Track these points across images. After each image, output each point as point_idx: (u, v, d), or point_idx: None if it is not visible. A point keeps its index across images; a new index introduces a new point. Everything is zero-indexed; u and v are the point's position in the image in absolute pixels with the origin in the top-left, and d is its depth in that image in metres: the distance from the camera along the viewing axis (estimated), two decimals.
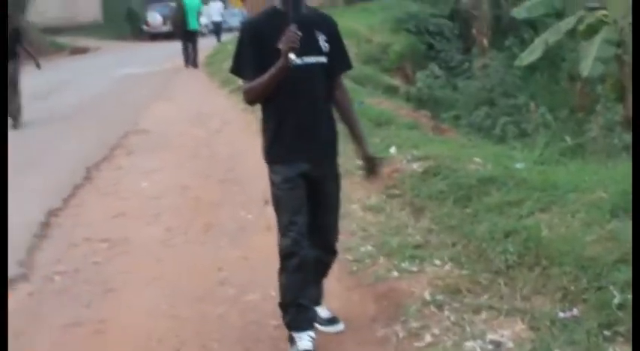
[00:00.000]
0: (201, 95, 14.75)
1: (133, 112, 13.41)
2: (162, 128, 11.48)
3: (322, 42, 3.88)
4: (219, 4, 30.56)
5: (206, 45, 24.58)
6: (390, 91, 14.64)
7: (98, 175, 8.68)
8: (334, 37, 3.97)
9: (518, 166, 6.63)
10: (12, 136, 11.38)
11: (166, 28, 28.76)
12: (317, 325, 4.16)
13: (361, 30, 19.71)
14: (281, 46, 3.63)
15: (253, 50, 3.82)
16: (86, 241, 6.28)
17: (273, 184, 3.98)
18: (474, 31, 20.35)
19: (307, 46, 3.76)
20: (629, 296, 3.79)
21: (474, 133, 12.26)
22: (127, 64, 23.14)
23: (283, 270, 3.95)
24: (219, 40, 27.95)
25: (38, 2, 31.38)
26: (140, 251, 5.97)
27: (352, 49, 17.09)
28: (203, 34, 30.35)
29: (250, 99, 3.92)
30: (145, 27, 36.76)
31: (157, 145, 10.22)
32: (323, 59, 3.87)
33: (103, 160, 9.43)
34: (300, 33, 3.63)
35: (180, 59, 21.03)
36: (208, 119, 11.77)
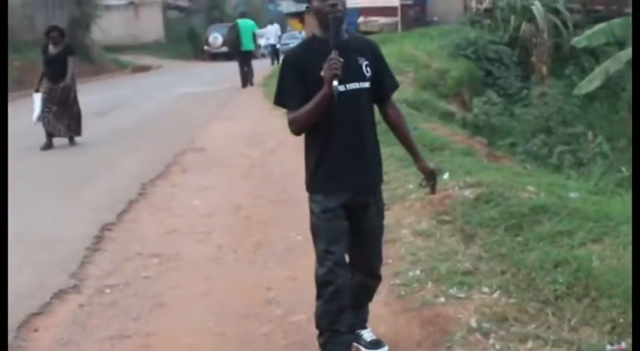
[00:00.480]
0: (257, 115, 14.88)
1: (190, 130, 13.59)
2: (218, 147, 11.60)
3: (364, 68, 3.85)
4: (276, 27, 31.18)
5: (264, 66, 24.87)
6: (447, 117, 14.59)
7: (153, 191, 8.80)
8: (378, 60, 3.96)
9: (572, 195, 6.56)
10: (72, 150, 11.64)
11: (226, 48, 29.26)
12: (361, 348, 4.17)
13: (419, 55, 19.71)
14: (324, 73, 3.61)
15: (296, 80, 3.80)
16: (138, 255, 6.37)
17: (312, 212, 3.98)
18: (533, 58, 20.21)
19: (349, 73, 3.74)
20: None
21: (529, 162, 12.15)
22: (186, 83, 23.47)
23: (319, 297, 3.99)
24: (274, 62, 28.32)
25: (102, 21, 32.02)
26: (190, 268, 6.03)
27: (410, 75, 17.18)
28: (263, 56, 30.78)
29: (295, 129, 3.86)
30: (205, 47, 37.30)
31: (211, 163, 10.33)
32: (366, 85, 3.85)
33: (158, 176, 9.56)
34: (341, 59, 3.61)
35: (239, 79, 21.23)
36: (263, 139, 11.85)
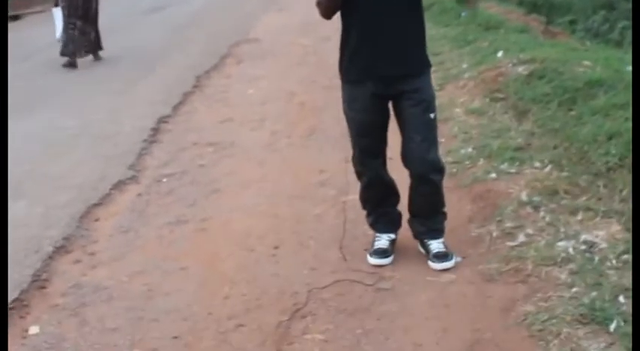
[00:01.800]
0: (311, 3, 14.65)
1: (244, 22, 13.53)
2: (272, 37, 11.57)
3: None
4: None
5: None
6: None
7: (207, 83, 8.86)
8: None
9: (630, 68, 6.40)
10: (129, 47, 11.66)
11: None
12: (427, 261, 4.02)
13: None
14: None
15: None
16: (194, 145, 6.47)
17: (343, 101, 3.99)
18: None
19: None
20: None
21: (589, 39, 11.79)
22: None
23: (360, 183, 4.10)
24: None
25: None
26: (244, 154, 6.12)
27: None
28: None
29: (321, 11, 3.84)
30: None
31: (265, 53, 10.33)
32: None
33: (212, 68, 9.60)
34: None
35: None
36: (316, 28, 11.69)
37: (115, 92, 8.69)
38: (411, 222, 4.13)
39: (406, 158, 3.90)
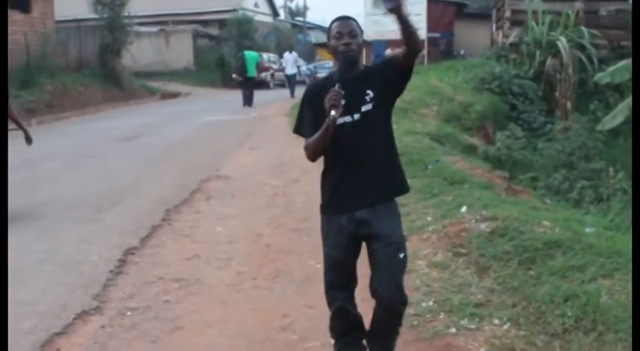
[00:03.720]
0: (283, 145, 15.02)
1: (215, 158, 13.77)
2: (242, 175, 11.76)
3: (370, 91, 3.99)
4: (294, 56, 30.79)
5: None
6: (469, 150, 14.69)
7: (177, 217, 8.97)
8: (385, 65, 4.14)
9: (588, 230, 6.66)
10: (100, 175, 11.85)
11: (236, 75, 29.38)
12: None
13: (444, 88, 19.86)
14: (325, 104, 3.82)
15: (310, 111, 4.07)
16: (160, 280, 6.53)
17: (321, 234, 4.23)
18: (557, 93, 20.22)
19: (355, 103, 3.95)
20: None
21: (550, 196, 12.20)
22: (214, 111, 23.78)
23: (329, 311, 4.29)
24: (292, 94, 28.33)
25: (133, 48, 32.49)
26: (209, 293, 6.18)
27: (434, 108, 17.32)
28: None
29: (308, 155, 4.12)
30: (234, 75, 37.73)
31: (235, 191, 10.49)
32: (369, 107, 3.98)
33: (182, 203, 9.73)
34: (342, 92, 3.80)
35: (266, 109, 21.69)
36: (287, 169, 12.02)
37: (85, 218, 8.77)
38: (367, 341, 4.32)
39: (376, 292, 4.09)
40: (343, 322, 4.26)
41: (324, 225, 4.20)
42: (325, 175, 4.18)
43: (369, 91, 3.99)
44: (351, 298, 4.25)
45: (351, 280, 4.23)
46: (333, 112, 3.79)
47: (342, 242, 4.08)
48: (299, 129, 4.20)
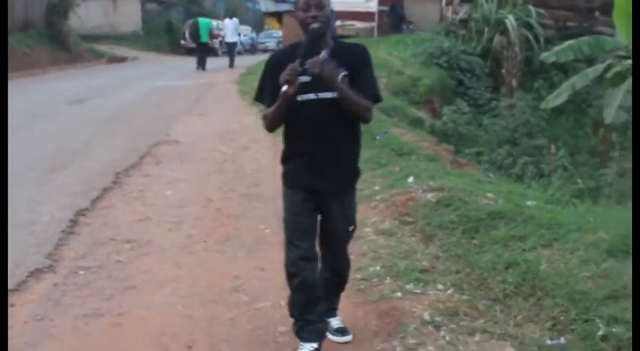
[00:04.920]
0: (232, 112, 15.08)
1: (164, 123, 13.79)
2: (192, 141, 11.81)
3: (341, 78, 3.90)
4: (235, 22, 30.15)
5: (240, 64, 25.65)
6: (417, 123, 14.90)
7: (127, 180, 9.02)
8: (359, 69, 4.01)
9: (529, 203, 6.88)
10: (50, 136, 11.80)
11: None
12: (328, 334, 4.44)
13: (393, 62, 20.02)
14: (280, 77, 3.84)
15: (272, 80, 3.99)
16: (111, 240, 6.61)
17: (283, 205, 4.26)
18: (503, 71, 20.56)
19: (322, 82, 3.90)
20: (614, 329, 4.09)
21: (493, 171, 12.50)
22: (162, 76, 23.68)
23: (289, 287, 4.26)
24: (231, 64, 28.05)
25: (80, 10, 32.04)
26: (161, 254, 6.28)
27: (383, 80, 17.47)
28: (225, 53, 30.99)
29: (265, 125, 4.15)
30: (182, 41, 37.43)
31: (184, 156, 10.55)
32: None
33: (132, 166, 9.78)
34: (300, 68, 3.82)
35: (215, 75, 21.66)
36: (236, 136, 12.09)
37: (35, 181, 8.78)
38: None
39: (325, 260, 4.33)
40: (307, 296, 4.19)
41: (287, 195, 4.21)
42: (289, 147, 4.19)
43: (342, 70, 3.88)
44: (316, 270, 4.24)
45: (315, 251, 4.25)
46: (284, 88, 3.82)
47: (309, 208, 4.14)
48: (259, 97, 4.22)
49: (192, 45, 27.85)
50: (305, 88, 3.92)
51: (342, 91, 3.88)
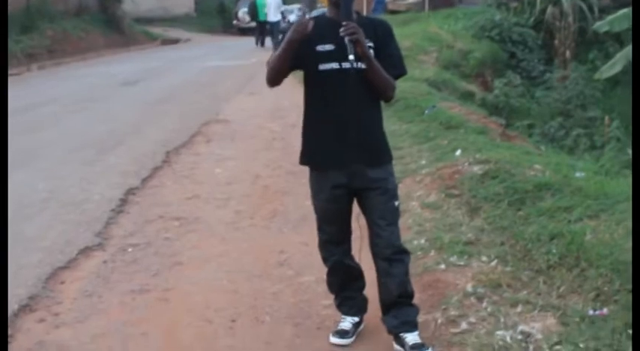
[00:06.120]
0: (282, 90, 15.02)
1: (215, 102, 13.90)
2: (241, 119, 11.91)
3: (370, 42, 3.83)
4: (276, 1, 27.68)
5: None
6: (467, 97, 14.78)
7: (177, 159, 9.14)
8: (384, 43, 3.94)
9: (578, 175, 6.80)
10: (102, 118, 11.99)
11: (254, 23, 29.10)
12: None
13: (444, 36, 19.87)
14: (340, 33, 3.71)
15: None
16: (160, 218, 6.71)
17: (311, 188, 4.17)
18: (556, 42, 20.28)
19: (355, 47, 3.73)
20: None
21: (545, 143, 12.36)
22: (214, 57, 23.80)
23: (325, 267, 4.32)
24: (263, 42, 27.53)
25: None
26: (208, 231, 6.37)
27: (433, 55, 17.36)
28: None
29: (267, 75, 3.97)
30: (234, 21, 37.48)
31: (234, 135, 10.65)
32: (362, 65, 3.81)
33: (182, 145, 9.90)
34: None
35: (267, 54, 21.67)
36: (286, 113, 12.13)
37: (89, 159, 8.95)
38: (384, 319, 4.14)
39: (373, 243, 4.04)
40: (340, 277, 4.26)
41: (312, 178, 4.11)
42: (310, 125, 4.04)
43: (368, 42, 3.81)
44: (349, 250, 4.23)
45: (348, 233, 4.19)
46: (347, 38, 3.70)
47: (336, 194, 3.99)
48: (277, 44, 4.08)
49: (252, 24, 27.97)
50: (328, 57, 3.86)
51: (371, 60, 3.82)
